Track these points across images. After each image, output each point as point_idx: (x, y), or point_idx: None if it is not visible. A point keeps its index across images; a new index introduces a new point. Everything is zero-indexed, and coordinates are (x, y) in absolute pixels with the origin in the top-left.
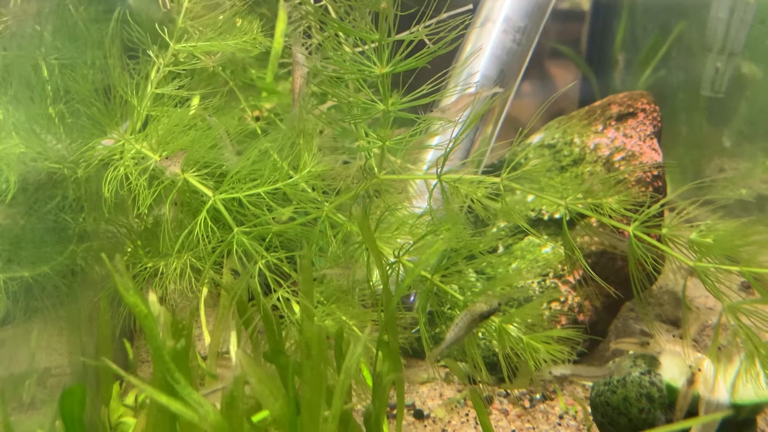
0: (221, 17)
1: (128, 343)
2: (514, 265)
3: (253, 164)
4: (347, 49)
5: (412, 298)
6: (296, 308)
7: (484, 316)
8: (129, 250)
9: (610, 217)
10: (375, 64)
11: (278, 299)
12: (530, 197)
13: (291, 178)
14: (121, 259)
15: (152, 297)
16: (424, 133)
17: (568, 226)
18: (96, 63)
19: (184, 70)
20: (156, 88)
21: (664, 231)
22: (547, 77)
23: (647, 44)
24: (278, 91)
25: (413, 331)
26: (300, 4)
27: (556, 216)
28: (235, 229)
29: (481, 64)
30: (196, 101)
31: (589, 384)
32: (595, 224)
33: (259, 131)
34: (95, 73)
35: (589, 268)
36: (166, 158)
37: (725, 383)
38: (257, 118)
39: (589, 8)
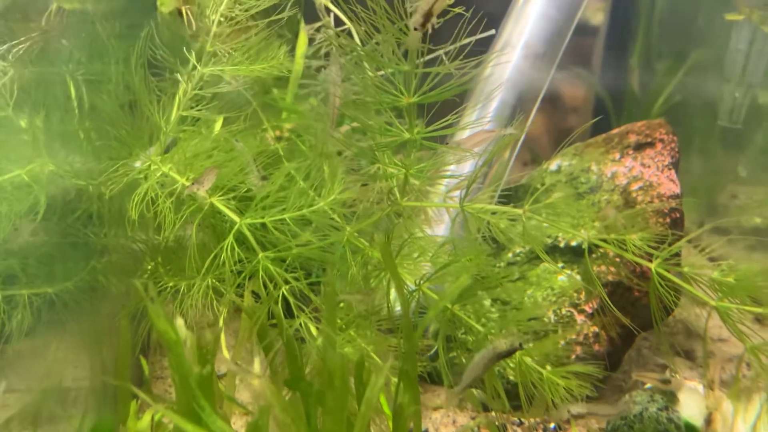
0: (249, 40)
1: (143, 359)
2: (529, 292)
3: (279, 190)
4: (370, 73)
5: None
6: (314, 329)
7: (505, 355)
8: (149, 267)
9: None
10: (400, 91)
11: (299, 323)
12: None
13: (315, 203)
14: (153, 286)
15: (180, 323)
16: (442, 158)
17: (583, 253)
18: (122, 80)
19: (209, 93)
20: (182, 111)
21: (686, 269)
22: (557, 95)
23: (663, 68)
24: (299, 112)
25: (429, 355)
26: (321, 28)
27: (573, 243)
28: (260, 255)
29: (499, 90)
30: (219, 122)
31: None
32: (611, 254)
33: (280, 151)
34: (121, 90)
35: (607, 298)
36: (194, 182)
37: (745, 424)
38: (278, 138)
39: (602, 24)
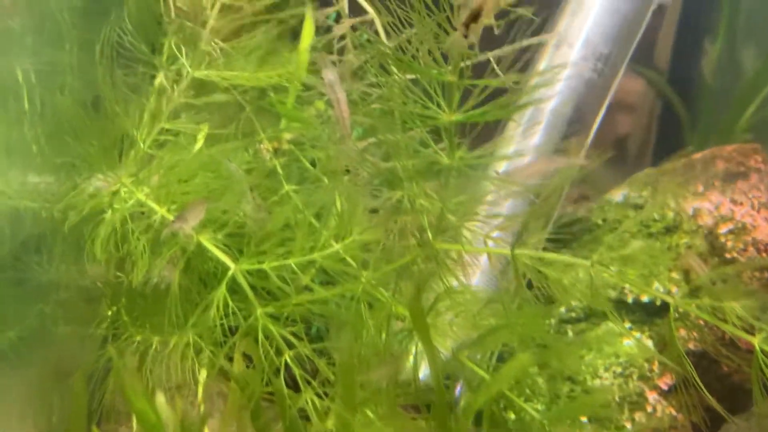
0: (254, 39)
1: (96, 429)
2: (587, 359)
3: (284, 228)
4: (397, 78)
5: (457, 390)
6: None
7: None
8: (109, 313)
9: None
10: (438, 104)
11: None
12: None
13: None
14: (133, 356)
15: (161, 400)
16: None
17: (658, 312)
18: (85, 73)
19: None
20: (165, 123)
21: None
22: (615, 100)
23: (751, 74)
24: (302, 119)
25: None
26: (338, 18)
27: (644, 299)
28: (258, 311)
29: (552, 96)
30: (204, 132)
31: None
32: (693, 314)
33: (279, 169)
34: (83, 86)
35: (693, 369)
36: (177, 218)
37: None
38: (276, 151)
39: (675, 17)
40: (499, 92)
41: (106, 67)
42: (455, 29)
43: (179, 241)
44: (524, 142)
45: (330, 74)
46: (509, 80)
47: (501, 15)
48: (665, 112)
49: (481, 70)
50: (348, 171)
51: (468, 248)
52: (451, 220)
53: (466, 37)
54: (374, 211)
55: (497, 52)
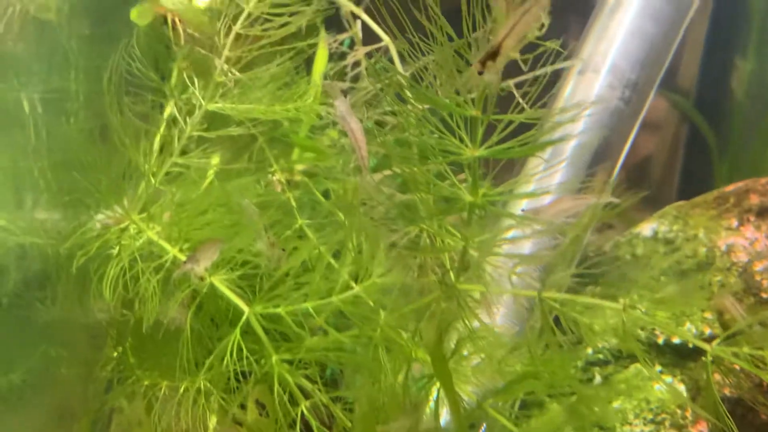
0: (270, 70)
1: None
2: (616, 405)
3: (301, 271)
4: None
5: None
6: None
7: None
8: (115, 354)
9: None
10: (460, 137)
11: None
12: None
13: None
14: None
15: None
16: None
17: (691, 354)
18: (92, 102)
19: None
20: (177, 157)
21: None
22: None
23: None
24: (316, 149)
25: None
26: (352, 45)
27: (675, 340)
28: (274, 358)
29: (577, 128)
30: (215, 162)
31: None
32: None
33: (292, 202)
34: (91, 115)
35: (728, 417)
36: (189, 258)
37: None
38: (288, 182)
39: (702, 34)
40: (522, 124)
41: (114, 96)
42: (471, 65)
43: (191, 282)
44: (548, 178)
45: (341, 104)
46: (534, 115)
47: (526, 48)
48: (692, 136)
49: (501, 97)
50: (364, 203)
51: (492, 289)
52: (473, 258)
53: (481, 73)
54: (392, 245)
55: (518, 79)
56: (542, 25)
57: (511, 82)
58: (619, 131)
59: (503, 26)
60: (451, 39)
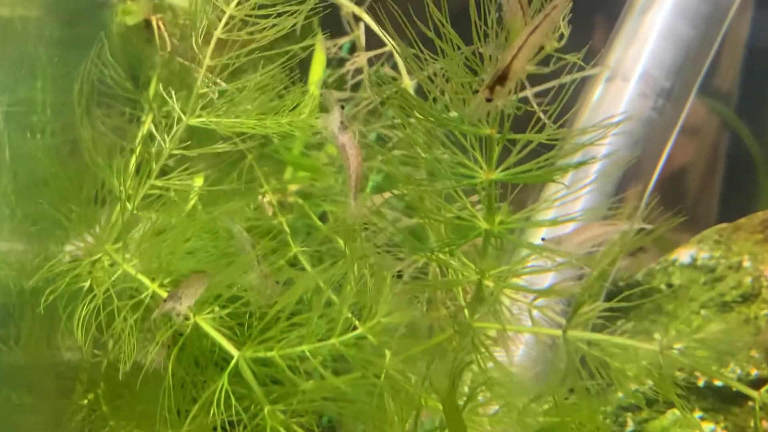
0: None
1: None
2: None
3: (297, 307)
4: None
5: None
6: None
7: None
8: (86, 401)
9: None
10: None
11: None
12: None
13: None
14: None
15: None
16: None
17: (735, 398)
18: (62, 114)
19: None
20: (155, 179)
21: None
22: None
23: None
24: (312, 167)
25: None
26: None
27: (717, 383)
28: (266, 409)
29: (604, 146)
30: (198, 183)
31: None
32: None
33: (285, 226)
34: (60, 129)
35: None
36: (171, 296)
37: None
38: (281, 204)
39: (744, 35)
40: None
41: (85, 108)
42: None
43: (173, 322)
44: (572, 202)
45: (333, 117)
46: (556, 135)
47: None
48: (733, 146)
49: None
50: (366, 228)
51: (510, 327)
52: (489, 292)
53: (490, 101)
54: (398, 275)
55: (538, 88)
56: (561, 35)
57: (530, 93)
58: (653, 146)
59: (512, 44)
60: (461, 44)
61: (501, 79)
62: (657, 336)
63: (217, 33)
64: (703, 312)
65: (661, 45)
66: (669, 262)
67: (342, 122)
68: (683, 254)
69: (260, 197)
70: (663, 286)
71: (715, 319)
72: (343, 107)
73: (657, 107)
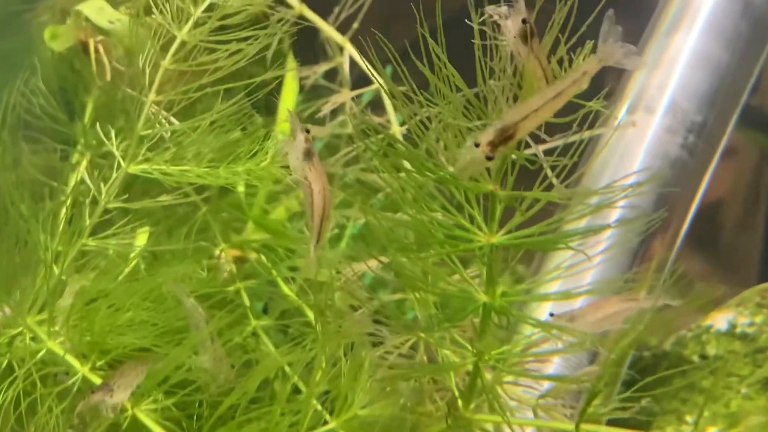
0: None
1: None
2: None
3: (255, 400)
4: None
5: None
6: None
7: None
8: None
9: None
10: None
11: None
12: None
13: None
14: None
15: None
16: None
17: None
18: None
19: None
20: (90, 238)
21: None
22: None
23: None
24: (274, 228)
25: None
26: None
27: None
28: None
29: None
30: (142, 240)
31: None
32: None
33: (242, 292)
34: None
35: None
36: (103, 385)
37: None
38: (239, 260)
39: None
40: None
41: (8, 143)
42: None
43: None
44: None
45: (298, 147)
46: (567, 195)
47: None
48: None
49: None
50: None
51: (513, 420)
52: (488, 379)
53: (490, 159)
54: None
55: (548, 144)
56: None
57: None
58: (682, 190)
59: (527, 103)
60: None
61: (506, 138)
62: (689, 419)
63: (165, 63)
64: (743, 390)
65: (692, 71)
66: (703, 329)
67: (307, 149)
68: (720, 319)
69: (217, 253)
70: (696, 358)
71: (758, 398)
72: (308, 131)
73: (687, 145)
